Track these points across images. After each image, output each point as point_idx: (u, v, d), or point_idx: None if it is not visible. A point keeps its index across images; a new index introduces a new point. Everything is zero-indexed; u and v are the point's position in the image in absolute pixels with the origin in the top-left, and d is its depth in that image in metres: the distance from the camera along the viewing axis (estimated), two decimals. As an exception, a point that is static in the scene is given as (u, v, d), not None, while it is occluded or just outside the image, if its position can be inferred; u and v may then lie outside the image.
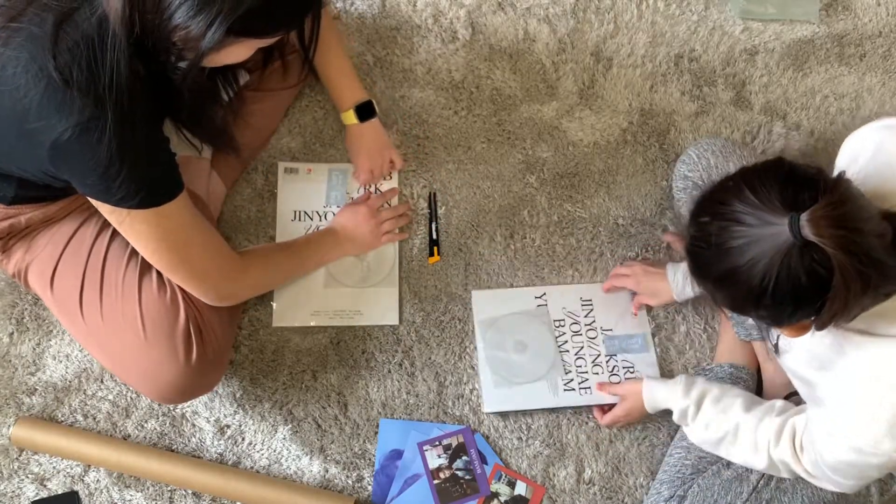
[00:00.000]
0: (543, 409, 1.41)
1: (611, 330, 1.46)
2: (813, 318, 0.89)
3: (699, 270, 0.95)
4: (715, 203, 0.91)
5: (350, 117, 1.45)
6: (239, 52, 0.99)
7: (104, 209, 1.03)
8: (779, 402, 1.19)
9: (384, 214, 1.46)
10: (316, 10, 1.09)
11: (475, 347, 1.43)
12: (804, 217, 0.83)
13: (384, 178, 1.52)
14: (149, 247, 1.08)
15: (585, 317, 1.46)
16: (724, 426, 1.21)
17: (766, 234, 0.85)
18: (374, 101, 1.46)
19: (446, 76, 1.60)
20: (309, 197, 1.50)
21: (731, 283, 0.90)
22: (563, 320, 1.46)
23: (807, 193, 0.85)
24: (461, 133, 1.57)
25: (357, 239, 1.43)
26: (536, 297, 1.47)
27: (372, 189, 1.51)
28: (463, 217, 1.52)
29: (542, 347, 1.43)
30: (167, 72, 0.99)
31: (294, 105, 1.54)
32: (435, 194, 1.53)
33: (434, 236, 1.50)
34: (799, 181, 0.87)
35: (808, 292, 0.86)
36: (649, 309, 1.48)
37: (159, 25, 0.91)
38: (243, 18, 0.90)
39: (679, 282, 1.38)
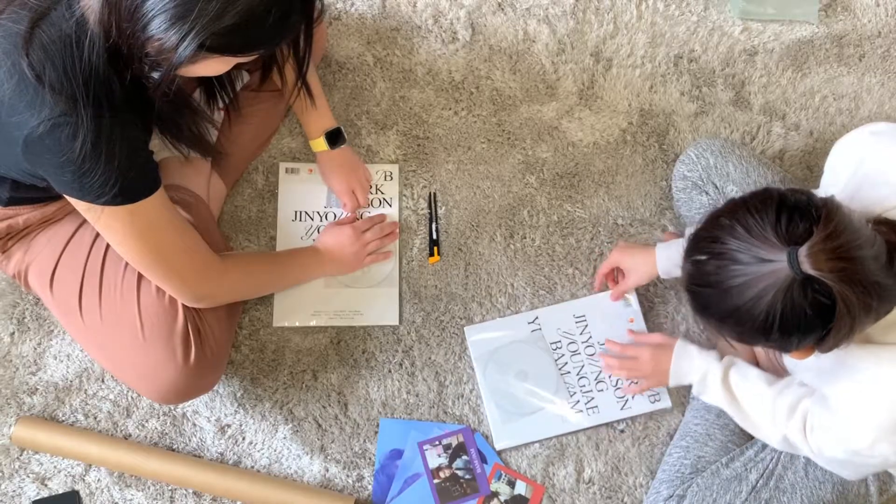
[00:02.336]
0: (557, 437, 1.40)
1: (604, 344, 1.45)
2: (818, 342, 0.90)
3: (701, 310, 0.94)
4: (709, 241, 0.91)
5: (321, 144, 1.44)
6: (214, 66, 0.98)
7: (80, 206, 1.03)
8: (798, 377, 1.19)
9: (368, 236, 1.45)
10: (307, 28, 1.07)
11: (475, 384, 1.42)
12: (802, 252, 0.83)
13: (372, 193, 1.51)
14: (123, 244, 1.08)
15: (581, 334, 1.45)
16: (748, 394, 1.22)
17: (764, 271, 0.85)
18: (342, 129, 1.46)
19: (446, 76, 1.60)
20: (310, 197, 1.50)
21: (735, 322, 0.90)
22: (560, 341, 1.44)
23: (801, 225, 0.85)
24: (461, 133, 1.57)
25: (340, 260, 1.42)
26: (529, 323, 1.45)
27: (358, 214, 1.50)
28: (463, 217, 1.52)
29: (544, 374, 1.42)
30: (140, 79, 0.98)
31: (295, 104, 1.53)
32: (435, 194, 1.53)
33: (434, 236, 1.50)
34: (791, 212, 0.86)
35: (814, 322, 0.86)
36: (639, 291, 1.47)
37: (133, 34, 0.90)
38: (219, 36, 0.89)
39: (666, 259, 1.35)
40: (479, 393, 1.41)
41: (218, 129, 1.43)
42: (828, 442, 1.05)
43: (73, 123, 0.92)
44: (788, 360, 1.12)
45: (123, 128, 0.98)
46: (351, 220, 1.48)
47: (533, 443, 1.40)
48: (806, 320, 0.86)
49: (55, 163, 0.96)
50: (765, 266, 0.85)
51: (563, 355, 1.43)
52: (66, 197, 1.03)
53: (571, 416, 1.40)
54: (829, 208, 0.86)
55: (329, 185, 1.49)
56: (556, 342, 1.44)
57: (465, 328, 1.44)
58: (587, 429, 1.40)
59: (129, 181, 1.01)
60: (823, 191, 1.08)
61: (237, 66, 1.05)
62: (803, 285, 0.84)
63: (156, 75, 0.96)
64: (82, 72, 0.92)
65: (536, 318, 1.46)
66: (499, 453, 1.39)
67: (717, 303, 0.90)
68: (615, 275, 1.46)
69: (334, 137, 1.45)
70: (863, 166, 1.04)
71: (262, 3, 0.90)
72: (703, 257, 0.91)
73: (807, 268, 0.83)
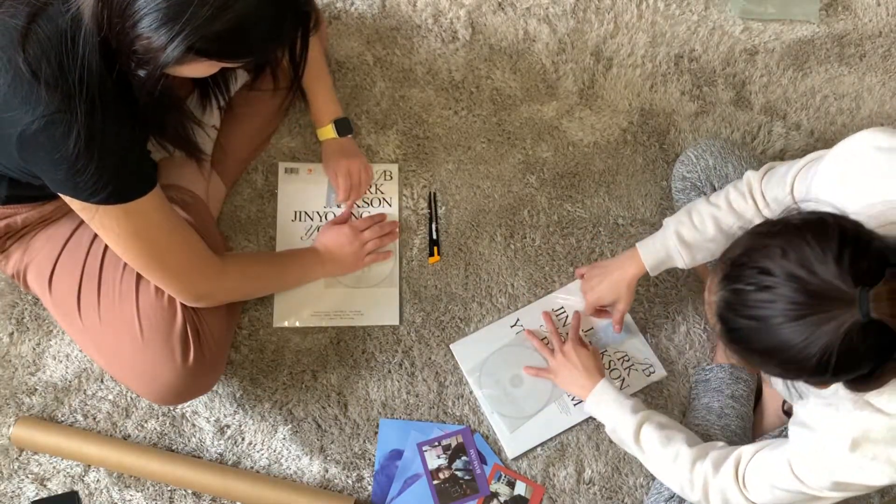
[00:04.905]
0: (564, 432, 1.40)
1: (591, 329, 1.45)
2: (855, 382, 0.85)
3: (738, 342, 0.87)
4: (756, 271, 0.83)
5: (329, 132, 1.46)
6: (202, 68, 0.97)
7: (75, 205, 1.02)
8: (720, 443, 1.18)
9: (367, 235, 1.45)
10: (303, 37, 1.07)
11: (473, 394, 1.42)
12: (871, 294, 0.77)
13: (372, 193, 1.51)
14: (119, 244, 1.07)
15: (564, 326, 1.45)
16: (660, 455, 1.20)
17: (823, 310, 0.78)
18: (349, 120, 1.47)
19: (446, 76, 1.60)
20: (309, 197, 1.50)
21: (782, 360, 0.83)
22: (545, 338, 1.44)
23: (866, 263, 0.78)
24: (461, 133, 1.57)
25: (340, 260, 1.42)
26: (512, 326, 1.45)
27: (355, 209, 1.50)
28: (463, 217, 1.52)
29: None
30: (127, 76, 0.97)
31: (294, 105, 1.53)
32: (435, 194, 1.53)
33: (434, 236, 1.50)
34: (853, 246, 0.79)
35: (867, 364, 0.81)
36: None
37: (123, 30, 0.90)
38: (208, 40, 0.89)
39: (652, 257, 1.31)
40: (479, 405, 1.41)
41: (218, 129, 1.42)
42: (813, 471, 0.99)
43: (67, 121, 0.92)
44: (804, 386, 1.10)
45: (118, 126, 0.98)
46: (345, 217, 1.48)
47: (543, 444, 1.39)
48: (860, 362, 0.81)
49: (49, 160, 0.95)
50: (825, 305, 0.78)
51: (544, 322, 1.43)
52: (62, 196, 1.02)
53: (574, 408, 1.40)
54: None
55: (329, 171, 1.49)
56: (541, 339, 1.44)
57: (451, 345, 1.44)
58: (591, 418, 1.40)
59: (123, 180, 1.00)
60: (816, 193, 1.05)
61: (227, 69, 1.04)
62: (865, 329, 0.78)
63: (142, 73, 0.96)
64: (78, 68, 0.92)
65: (518, 319, 1.46)
66: (497, 453, 1.39)
67: (760, 338, 0.83)
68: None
69: (342, 126, 1.46)
70: (868, 183, 0.97)
71: (255, 12, 0.89)
72: (749, 288, 0.83)
73: (874, 313, 0.77)
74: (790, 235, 0.82)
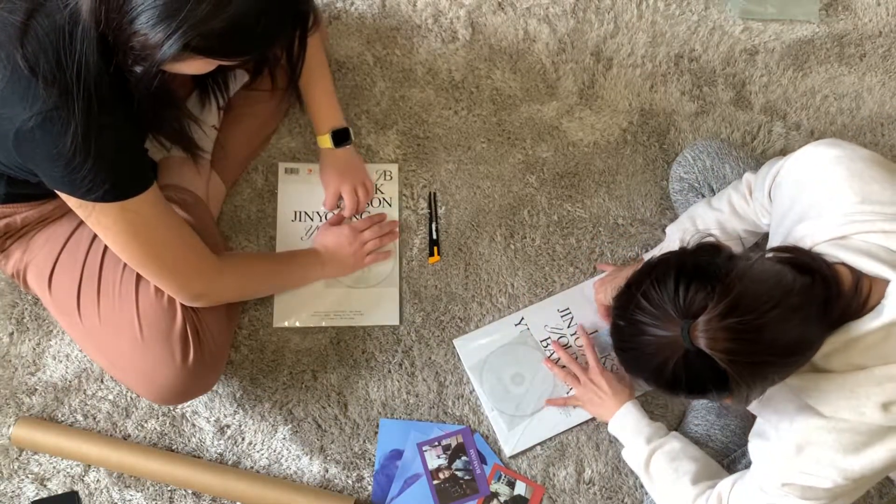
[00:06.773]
0: (564, 432, 1.40)
1: (596, 331, 1.45)
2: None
3: (627, 369, 0.98)
4: (623, 308, 0.94)
5: (325, 141, 1.43)
6: (198, 66, 0.97)
7: (72, 202, 1.02)
8: (722, 480, 1.20)
9: (366, 235, 1.44)
10: (301, 37, 1.07)
11: (473, 391, 1.42)
12: (696, 327, 0.85)
13: (368, 204, 1.50)
14: (117, 241, 1.07)
15: (568, 327, 1.45)
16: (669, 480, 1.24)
17: (664, 342, 0.88)
18: (350, 129, 1.45)
19: (446, 76, 1.59)
20: (309, 197, 1.50)
21: (653, 381, 0.94)
22: (549, 337, 1.44)
23: (698, 296, 0.86)
24: (461, 133, 1.57)
25: (340, 261, 1.42)
26: (516, 325, 1.45)
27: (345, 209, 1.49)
28: (463, 217, 1.52)
29: (539, 372, 1.42)
30: (123, 72, 0.97)
31: (294, 105, 1.53)
32: (435, 194, 1.53)
33: (434, 236, 1.50)
34: (689, 280, 0.87)
35: (718, 383, 0.88)
36: None
37: (120, 26, 0.90)
38: (203, 37, 0.89)
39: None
40: (480, 401, 1.41)
41: (217, 129, 1.42)
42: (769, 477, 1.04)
43: (64, 117, 0.92)
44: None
45: (115, 123, 0.98)
46: (340, 219, 1.47)
47: (543, 443, 1.39)
48: (709, 382, 0.88)
49: (46, 157, 0.95)
50: (664, 339, 0.88)
51: (554, 351, 1.43)
52: (59, 193, 1.02)
53: (574, 410, 1.40)
54: (730, 279, 0.85)
55: (322, 181, 1.49)
56: (545, 339, 1.44)
57: (454, 340, 1.44)
58: (591, 419, 1.40)
59: (120, 177, 1.00)
60: (788, 200, 1.08)
61: (226, 68, 1.04)
62: (699, 356, 0.86)
63: (139, 70, 0.95)
64: (75, 64, 0.92)
65: (522, 318, 1.46)
66: (497, 453, 1.39)
67: (636, 365, 0.95)
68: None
69: (340, 137, 1.43)
70: (808, 194, 1.04)
71: (252, 10, 0.89)
72: (621, 323, 0.94)
73: (700, 343, 0.85)
74: (643, 277, 0.92)
